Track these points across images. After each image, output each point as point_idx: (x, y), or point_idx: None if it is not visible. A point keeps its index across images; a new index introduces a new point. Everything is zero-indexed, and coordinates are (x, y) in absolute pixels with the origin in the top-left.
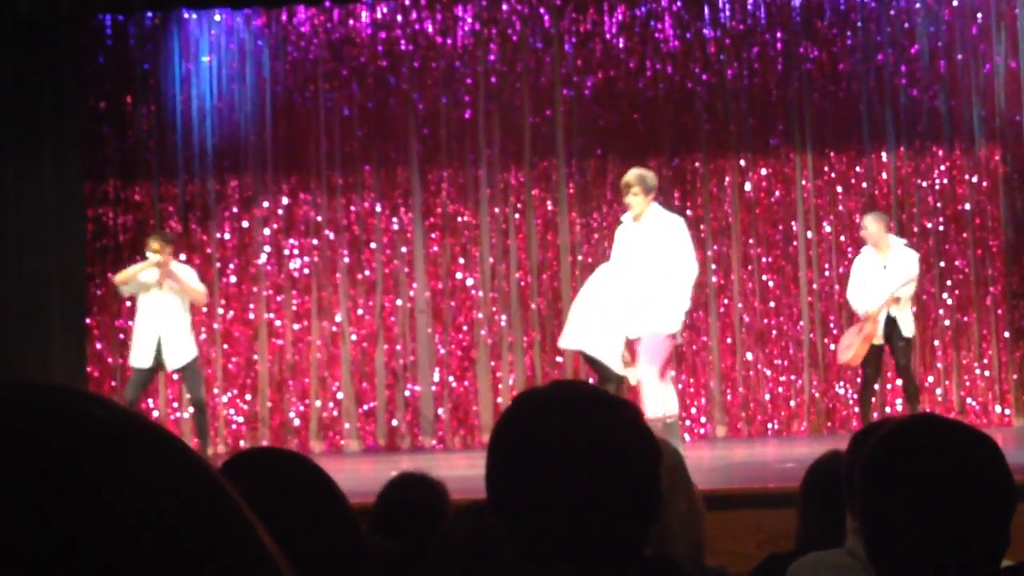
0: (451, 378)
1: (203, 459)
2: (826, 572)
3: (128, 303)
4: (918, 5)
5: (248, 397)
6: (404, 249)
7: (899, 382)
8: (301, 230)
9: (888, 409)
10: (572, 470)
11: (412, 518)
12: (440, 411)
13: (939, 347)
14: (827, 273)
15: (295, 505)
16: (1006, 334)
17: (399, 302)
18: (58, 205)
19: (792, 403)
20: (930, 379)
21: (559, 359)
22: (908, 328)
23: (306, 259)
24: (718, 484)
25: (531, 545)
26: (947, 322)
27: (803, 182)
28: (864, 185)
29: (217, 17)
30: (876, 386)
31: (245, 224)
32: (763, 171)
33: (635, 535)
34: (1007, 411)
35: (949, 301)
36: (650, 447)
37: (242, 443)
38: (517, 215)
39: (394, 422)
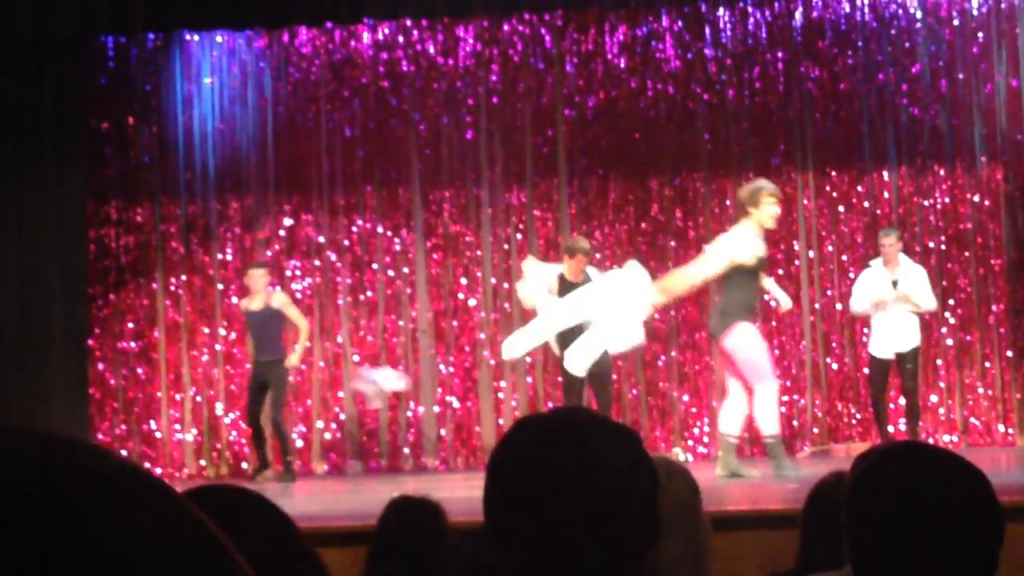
0: (453, 399)
1: (190, 504)
2: None
3: (131, 325)
4: (919, 24)
5: None
6: (406, 270)
7: (901, 401)
8: (303, 251)
9: (891, 428)
10: (569, 495)
11: (411, 541)
12: (443, 432)
13: (942, 366)
14: (829, 292)
15: (252, 544)
16: (1009, 353)
17: (401, 323)
18: (60, 226)
19: (795, 423)
20: (933, 398)
21: (561, 379)
22: (915, 340)
23: (308, 280)
24: (721, 505)
25: (529, 569)
26: (950, 341)
27: (805, 201)
28: (866, 204)
29: (219, 38)
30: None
31: (247, 245)
32: None
33: (632, 561)
34: (1010, 430)
35: (952, 320)
36: (648, 473)
37: (244, 465)
38: (519, 235)
39: (397, 443)
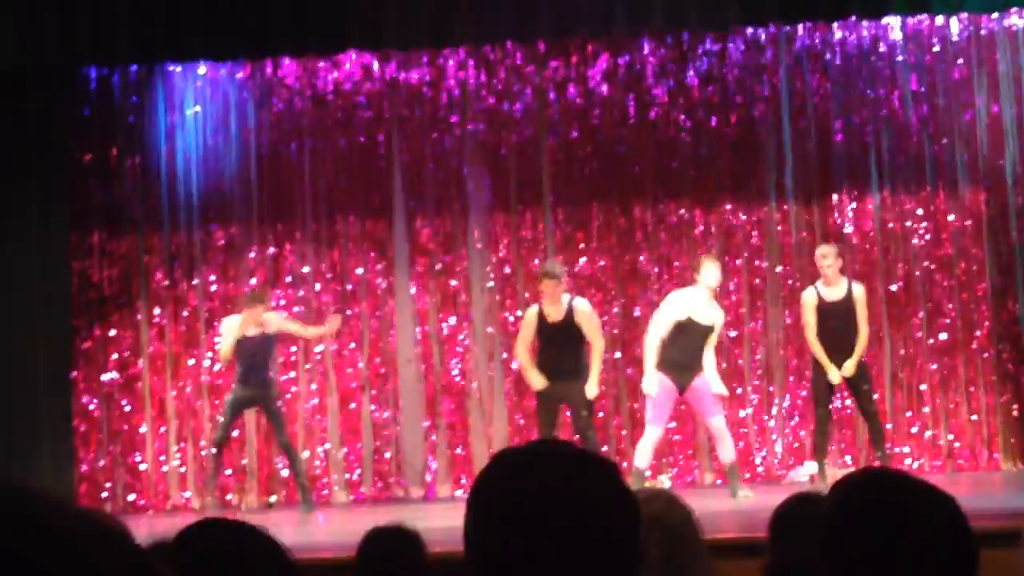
0: (440, 428)
1: (141, 548)
2: None
3: (116, 354)
4: (899, 52)
5: (235, 449)
6: (391, 299)
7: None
8: (287, 281)
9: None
10: (547, 528)
11: (391, 571)
12: (429, 461)
13: (926, 391)
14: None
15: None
16: (993, 377)
17: (386, 351)
18: (43, 258)
19: (778, 449)
20: (917, 424)
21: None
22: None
23: (293, 309)
24: (708, 533)
25: None
26: (933, 366)
27: (786, 227)
28: (849, 230)
29: (202, 70)
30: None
31: (231, 275)
32: (745, 217)
33: None
34: (995, 455)
35: (935, 345)
36: (627, 506)
37: (230, 496)
38: (506, 265)
39: (382, 473)
